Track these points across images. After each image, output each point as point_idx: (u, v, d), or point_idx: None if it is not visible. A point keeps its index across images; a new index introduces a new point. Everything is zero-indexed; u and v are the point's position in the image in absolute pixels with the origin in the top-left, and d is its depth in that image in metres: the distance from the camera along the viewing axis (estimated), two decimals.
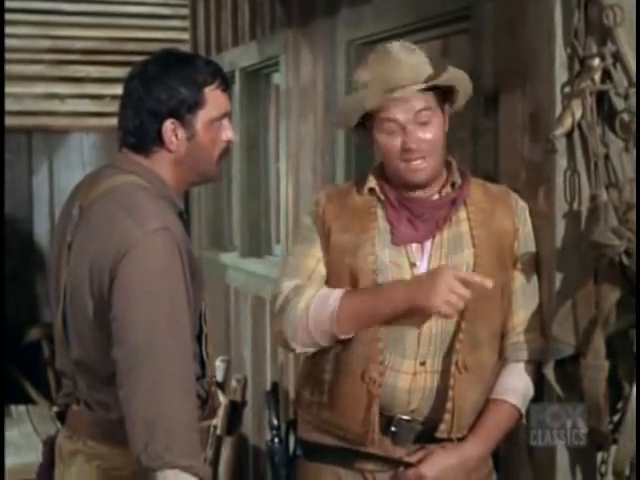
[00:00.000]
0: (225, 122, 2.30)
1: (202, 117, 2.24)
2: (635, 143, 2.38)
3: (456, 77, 2.46)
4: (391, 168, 2.48)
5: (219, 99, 2.27)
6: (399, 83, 2.40)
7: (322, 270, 2.53)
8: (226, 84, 2.31)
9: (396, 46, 2.48)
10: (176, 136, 2.23)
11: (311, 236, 2.56)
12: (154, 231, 2.09)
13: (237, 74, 5.41)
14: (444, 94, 2.47)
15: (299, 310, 2.46)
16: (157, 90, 2.21)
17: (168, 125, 2.21)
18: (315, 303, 2.45)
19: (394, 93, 2.39)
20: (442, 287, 2.32)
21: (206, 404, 2.33)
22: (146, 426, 2.01)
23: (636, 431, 2.34)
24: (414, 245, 2.49)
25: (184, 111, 2.22)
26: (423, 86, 2.40)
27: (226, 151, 2.33)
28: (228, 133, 2.30)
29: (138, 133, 2.24)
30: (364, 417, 2.46)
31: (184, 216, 2.29)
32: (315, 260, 2.54)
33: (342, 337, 2.45)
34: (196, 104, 2.23)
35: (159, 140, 2.23)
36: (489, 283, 2.33)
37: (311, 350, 2.53)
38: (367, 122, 2.48)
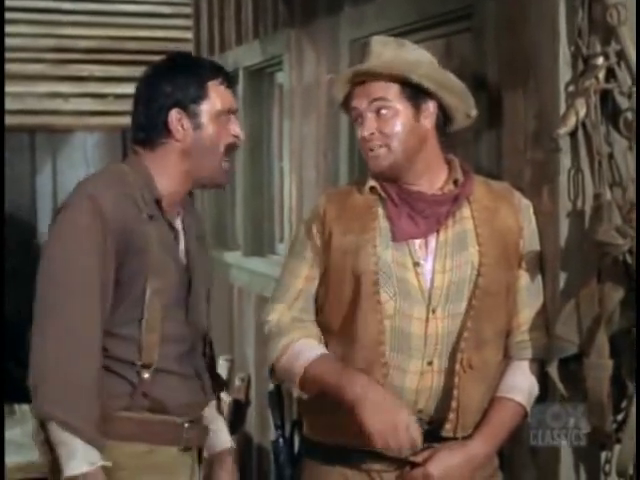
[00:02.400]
0: (232, 118, 2.41)
1: (207, 109, 2.37)
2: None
3: (414, 70, 2.45)
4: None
5: (223, 94, 2.40)
6: (367, 69, 2.47)
7: (311, 289, 2.56)
8: (229, 81, 2.44)
9: (376, 39, 2.54)
10: (182, 126, 2.35)
11: (302, 251, 2.58)
12: (79, 199, 2.27)
13: (240, 73, 5.41)
14: (427, 93, 2.47)
15: (276, 353, 2.53)
16: (163, 85, 2.36)
17: (174, 114, 2.35)
18: (289, 355, 2.50)
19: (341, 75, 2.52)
20: (390, 425, 2.34)
21: (136, 391, 2.32)
22: (36, 377, 2.21)
23: (636, 430, 2.34)
24: (417, 244, 2.48)
25: (188, 102, 2.35)
26: (362, 68, 2.47)
27: (233, 146, 2.42)
28: (235, 128, 2.41)
29: (146, 127, 2.37)
30: None
31: (162, 203, 2.35)
32: (302, 280, 2.56)
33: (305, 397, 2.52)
34: (200, 96, 2.36)
35: (166, 131, 2.36)
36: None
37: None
38: None
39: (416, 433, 2.37)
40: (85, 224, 2.24)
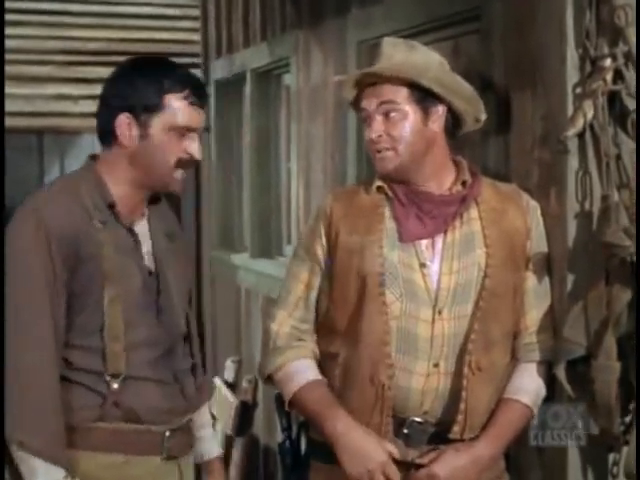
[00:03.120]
0: (191, 136, 2.31)
1: (159, 121, 2.28)
2: None
3: (422, 74, 2.44)
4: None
5: (184, 110, 2.30)
6: (375, 71, 2.46)
7: (311, 296, 2.57)
8: (197, 98, 2.31)
9: (386, 41, 2.53)
10: (130, 132, 2.28)
11: (306, 254, 2.59)
12: (23, 215, 2.24)
13: (248, 75, 5.42)
14: (436, 97, 2.46)
15: (269, 371, 2.57)
16: (121, 86, 2.30)
17: (123, 119, 2.28)
18: (281, 376, 2.55)
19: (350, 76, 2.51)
20: (365, 470, 2.41)
21: (106, 401, 2.28)
22: (5, 400, 2.18)
23: (636, 430, 2.33)
24: (424, 245, 2.48)
25: (141, 109, 2.27)
26: (370, 70, 2.46)
27: (185, 164, 2.33)
28: (191, 147, 2.32)
29: (101, 127, 2.33)
30: (375, 421, 2.46)
31: (115, 208, 2.29)
32: (303, 287, 2.58)
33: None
34: (154, 106, 2.28)
35: (115, 135, 2.29)
36: None
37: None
38: None
39: (393, 476, 2.43)
40: (29, 240, 2.20)
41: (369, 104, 2.47)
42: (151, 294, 2.34)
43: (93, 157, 2.37)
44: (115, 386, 2.26)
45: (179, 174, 2.33)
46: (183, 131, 2.30)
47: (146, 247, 2.37)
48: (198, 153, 2.33)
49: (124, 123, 2.28)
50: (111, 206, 2.29)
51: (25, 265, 2.21)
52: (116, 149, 2.31)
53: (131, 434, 2.30)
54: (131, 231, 2.33)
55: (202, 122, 2.35)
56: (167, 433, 2.34)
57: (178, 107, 2.29)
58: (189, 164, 2.34)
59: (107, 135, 2.31)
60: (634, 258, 2.28)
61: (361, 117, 2.53)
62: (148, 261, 2.36)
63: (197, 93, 2.32)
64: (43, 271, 2.20)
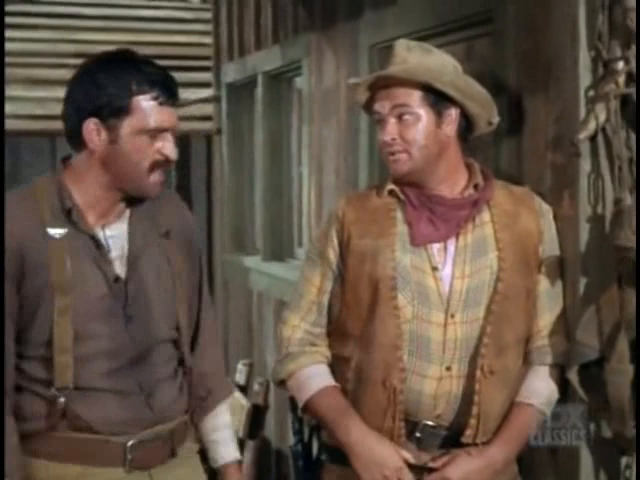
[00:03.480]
0: (164, 136, 2.20)
1: (128, 125, 2.17)
2: None
3: (436, 77, 2.44)
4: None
5: (153, 111, 2.18)
6: (388, 73, 2.46)
7: (323, 300, 2.58)
8: (167, 97, 2.20)
9: (400, 43, 2.53)
10: (98, 136, 2.17)
11: (319, 257, 2.59)
12: None
13: (260, 78, 5.42)
14: (450, 100, 2.46)
15: (282, 377, 2.58)
16: (86, 86, 2.18)
17: (90, 124, 2.17)
18: (294, 381, 2.56)
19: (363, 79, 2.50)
20: (380, 477, 2.43)
21: (53, 411, 2.21)
22: None
23: (636, 430, 2.33)
24: (436, 249, 2.48)
25: (107, 113, 2.16)
26: (385, 73, 2.46)
27: (160, 165, 2.22)
28: (166, 147, 2.21)
29: (68, 130, 2.23)
30: (388, 425, 2.46)
31: (73, 215, 2.20)
32: (315, 291, 2.58)
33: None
34: (121, 110, 2.16)
35: (82, 139, 2.19)
36: None
37: None
38: None
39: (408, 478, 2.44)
40: None
41: (382, 107, 2.47)
42: (117, 301, 2.23)
43: (65, 160, 2.28)
44: (62, 399, 2.19)
45: (155, 177, 2.22)
46: (155, 133, 2.19)
47: (118, 251, 2.26)
48: (173, 153, 2.22)
49: (91, 128, 2.17)
50: (68, 212, 2.20)
51: None
52: (86, 153, 2.20)
53: (87, 444, 2.22)
54: (93, 237, 2.22)
55: (174, 121, 2.23)
56: (129, 444, 2.24)
57: (147, 109, 2.17)
58: (164, 165, 2.23)
59: (75, 139, 2.21)
60: None
61: (374, 119, 2.53)
62: (118, 266, 2.25)
63: (167, 92, 2.20)
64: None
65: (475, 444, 2.46)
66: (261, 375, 4.69)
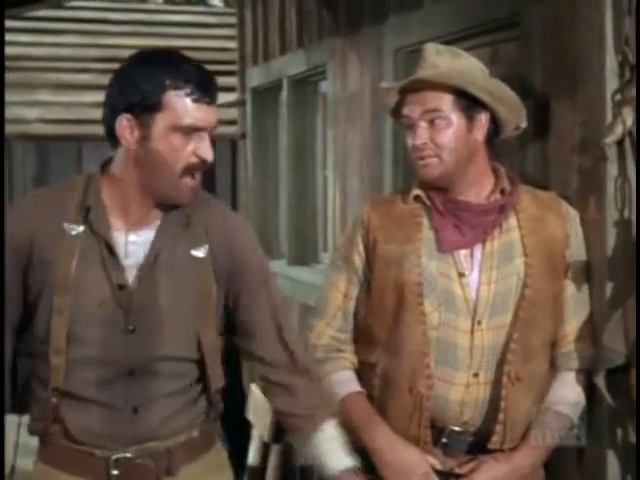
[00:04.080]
0: (199, 136, 2.11)
1: (161, 121, 2.09)
2: None
3: (469, 81, 2.43)
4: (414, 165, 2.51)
5: (187, 108, 2.09)
6: (423, 77, 2.44)
7: (349, 307, 2.57)
8: (202, 94, 2.11)
9: (431, 46, 2.51)
10: (131, 133, 2.10)
11: (344, 263, 2.58)
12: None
13: (284, 82, 5.43)
14: (478, 103, 2.45)
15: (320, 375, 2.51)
16: (121, 83, 2.12)
17: (122, 120, 2.10)
18: (329, 382, 2.52)
19: (400, 82, 2.47)
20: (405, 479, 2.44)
21: (47, 415, 2.17)
22: None
23: (636, 432, 2.31)
24: (462, 255, 2.47)
25: (140, 109, 2.08)
26: (420, 77, 2.43)
27: (194, 168, 2.12)
28: (202, 149, 2.12)
29: (105, 129, 2.16)
30: (414, 431, 2.46)
31: (90, 214, 2.13)
32: (341, 296, 2.58)
33: None
34: (154, 105, 2.08)
35: (116, 135, 2.13)
36: None
37: None
38: None
39: None
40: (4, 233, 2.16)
41: (413, 111, 2.45)
42: (119, 310, 2.14)
43: (108, 161, 2.22)
44: (54, 400, 2.15)
45: (188, 181, 2.13)
46: (189, 131, 2.09)
47: (137, 259, 2.16)
48: (209, 155, 2.12)
49: (124, 125, 2.09)
50: (86, 211, 2.14)
51: None
52: (121, 152, 2.14)
53: (75, 455, 2.18)
54: (106, 240, 2.14)
55: (211, 120, 2.13)
56: (113, 458, 2.16)
57: (181, 105, 2.08)
58: (199, 168, 2.13)
59: (111, 138, 2.14)
60: None
61: (402, 124, 2.51)
62: (129, 274, 2.15)
63: (203, 88, 2.11)
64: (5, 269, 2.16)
65: (502, 450, 2.45)
66: None
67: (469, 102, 2.43)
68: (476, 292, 2.45)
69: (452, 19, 3.47)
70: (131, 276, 2.16)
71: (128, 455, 2.18)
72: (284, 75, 5.43)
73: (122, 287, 2.14)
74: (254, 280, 2.31)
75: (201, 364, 2.24)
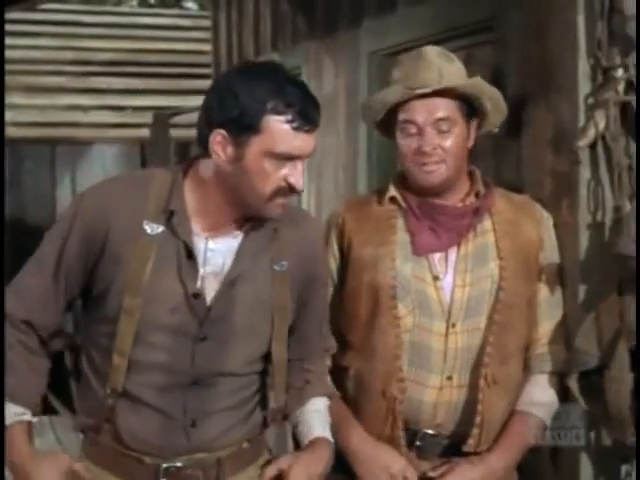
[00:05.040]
0: (294, 164, 2.05)
1: (256, 144, 2.02)
2: None
3: (482, 89, 2.45)
4: (407, 171, 2.47)
5: (285, 135, 2.02)
6: (424, 83, 2.40)
7: None
8: (303, 122, 2.04)
9: (432, 49, 2.48)
10: (224, 150, 2.05)
11: None
12: (76, 195, 2.20)
13: None
14: (473, 109, 2.46)
15: None
16: (221, 96, 2.05)
17: (216, 135, 2.04)
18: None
19: (418, 91, 2.39)
20: (383, 476, 2.44)
21: (101, 414, 2.15)
22: None
23: (636, 434, 2.33)
24: (437, 257, 2.47)
25: (237, 128, 2.02)
26: (441, 86, 2.39)
27: (283, 193, 2.07)
28: (294, 177, 2.05)
29: (199, 136, 2.10)
30: (387, 434, 2.46)
31: (174, 218, 2.10)
32: None
33: None
34: (251, 127, 2.01)
35: (208, 148, 2.07)
36: None
37: None
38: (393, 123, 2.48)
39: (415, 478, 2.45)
40: (63, 217, 2.16)
41: (420, 116, 2.40)
42: (193, 318, 2.10)
43: (192, 161, 2.17)
44: (110, 401, 2.12)
45: (278, 201, 2.08)
46: (285, 159, 2.04)
47: (215, 267, 2.12)
48: (300, 184, 2.06)
49: (218, 141, 2.04)
50: (170, 213, 2.09)
51: (51, 235, 2.17)
52: (212, 162, 2.08)
53: (124, 459, 2.16)
54: (187, 245, 2.10)
55: (309, 149, 2.07)
56: (163, 466, 2.14)
57: (279, 132, 2.01)
58: (288, 194, 2.07)
59: (203, 146, 2.08)
60: None
61: (402, 128, 2.44)
62: (210, 283, 2.11)
63: (305, 115, 2.04)
64: (60, 245, 2.13)
65: (476, 453, 2.46)
66: None
67: (469, 108, 2.44)
68: (450, 295, 2.45)
69: (427, 22, 3.48)
70: (208, 285, 2.12)
71: (178, 464, 2.15)
72: None
73: (197, 296, 2.11)
74: (319, 291, 2.32)
75: (263, 377, 2.23)
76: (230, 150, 2.04)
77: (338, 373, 2.53)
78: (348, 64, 4.19)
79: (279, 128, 2.02)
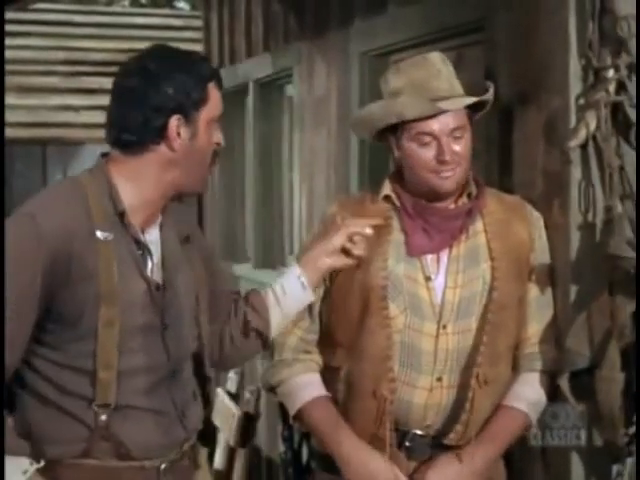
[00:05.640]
0: (217, 124, 2.17)
1: (204, 115, 2.11)
2: None
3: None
4: (418, 178, 2.45)
5: (218, 97, 2.15)
6: (439, 94, 2.41)
7: (316, 306, 2.53)
8: (221, 81, 2.18)
9: (436, 56, 2.48)
10: (179, 134, 2.09)
11: None
12: (19, 218, 2.04)
13: (251, 85, 5.42)
14: (471, 108, 2.47)
15: (273, 383, 2.57)
16: (164, 84, 2.07)
17: (174, 121, 2.08)
18: (285, 389, 2.54)
19: (441, 104, 2.38)
20: None
21: (94, 434, 2.07)
22: None
23: (636, 437, 2.33)
24: (429, 258, 2.47)
25: (190, 107, 2.09)
26: (473, 100, 2.42)
27: (216, 154, 2.19)
28: (219, 135, 2.18)
29: (139, 130, 2.08)
30: (377, 434, 2.46)
31: (125, 218, 2.09)
32: None
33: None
34: (201, 100, 2.10)
35: (160, 137, 2.08)
36: None
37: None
38: (392, 129, 2.46)
39: None
40: (19, 247, 2.00)
41: (436, 128, 2.39)
42: (156, 311, 2.12)
43: (104, 157, 2.16)
44: (103, 417, 2.06)
45: (209, 172, 2.21)
46: (216, 121, 2.16)
47: (155, 258, 2.16)
48: (223, 140, 2.19)
49: (175, 126, 2.08)
50: (121, 215, 2.09)
51: (9, 271, 2.00)
52: (154, 152, 2.09)
53: (123, 472, 2.10)
54: (139, 243, 2.12)
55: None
56: (163, 467, 2.15)
57: (216, 95, 2.14)
58: (217, 156, 2.20)
59: (148, 138, 2.08)
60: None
61: (415, 138, 2.41)
62: (157, 274, 2.15)
63: (220, 77, 2.18)
64: (23, 276, 1.99)
65: (458, 446, 2.46)
66: (252, 383, 4.68)
67: (473, 113, 2.47)
68: (442, 296, 2.45)
69: (417, 23, 3.48)
70: (157, 275, 2.15)
71: (172, 460, 2.17)
72: (250, 78, 5.43)
73: (158, 287, 2.14)
74: (217, 262, 2.45)
75: (199, 355, 2.27)
76: (184, 132, 2.10)
77: (327, 374, 2.54)
78: (339, 64, 4.20)
79: (215, 92, 2.14)
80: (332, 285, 2.53)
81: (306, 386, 2.52)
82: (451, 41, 3.37)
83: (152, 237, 2.17)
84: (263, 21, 5.28)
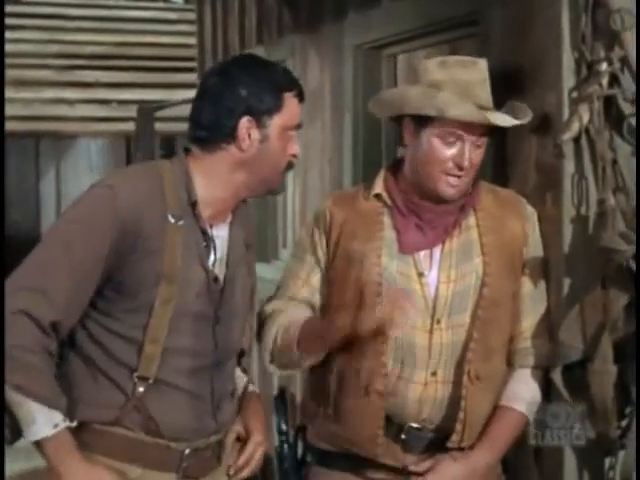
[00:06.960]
0: (295, 134, 2.27)
1: (278, 122, 2.22)
2: None
3: None
4: (426, 174, 2.43)
5: (295, 108, 2.26)
6: (480, 102, 2.41)
7: (305, 292, 2.55)
8: (302, 95, 2.29)
9: (483, 62, 2.47)
10: (249, 135, 2.20)
11: (302, 255, 2.58)
12: (95, 187, 2.18)
13: None
14: None
15: (271, 338, 2.51)
16: (238, 87, 2.20)
17: (244, 122, 2.20)
18: (282, 332, 2.48)
19: (489, 116, 2.39)
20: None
21: (128, 403, 2.17)
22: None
23: (636, 434, 2.34)
24: (422, 254, 2.47)
25: (262, 112, 2.20)
26: (520, 122, 2.44)
27: (290, 165, 2.29)
28: (295, 146, 2.28)
29: (210, 127, 2.22)
30: (370, 430, 2.45)
31: (196, 209, 2.20)
32: (301, 283, 2.56)
33: (309, 363, 2.49)
34: (275, 107, 2.21)
35: (231, 137, 2.21)
36: None
37: (288, 372, 2.59)
38: (416, 116, 2.44)
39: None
40: (95, 214, 2.13)
41: (465, 132, 2.39)
42: (212, 302, 2.24)
43: (186, 151, 2.28)
44: (141, 389, 2.17)
45: (284, 175, 2.31)
46: (293, 130, 2.26)
47: (220, 253, 2.27)
48: (299, 151, 2.30)
49: (245, 127, 2.20)
50: (193, 205, 2.21)
51: (75, 229, 2.14)
52: (226, 151, 2.22)
53: (149, 447, 2.20)
54: (206, 234, 2.24)
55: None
56: (187, 451, 2.23)
57: (292, 105, 2.25)
58: (291, 166, 2.30)
59: (220, 137, 2.21)
60: (630, 262, 2.28)
61: (441, 135, 2.40)
62: (218, 268, 2.26)
63: (301, 89, 2.29)
64: (91, 242, 2.12)
65: (460, 448, 2.46)
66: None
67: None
68: (435, 291, 2.45)
69: (411, 16, 3.48)
70: (218, 270, 2.26)
71: (196, 447, 2.24)
72: None
73: (216, 280, 2.25)
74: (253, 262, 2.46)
75: (240, 356, 2.40)
76: (255, 133, 2.20)
77: (320, 369, 2.53)
78: (333, 58, 4.19)
79: (293, 102, 2.25)
80: (327, 279, 2.53)
81: (294, 320, 2.48)
82: (445, 34, 3.37)
83: (220, 233, 2.28)
84: (257, 14, 5.27)
